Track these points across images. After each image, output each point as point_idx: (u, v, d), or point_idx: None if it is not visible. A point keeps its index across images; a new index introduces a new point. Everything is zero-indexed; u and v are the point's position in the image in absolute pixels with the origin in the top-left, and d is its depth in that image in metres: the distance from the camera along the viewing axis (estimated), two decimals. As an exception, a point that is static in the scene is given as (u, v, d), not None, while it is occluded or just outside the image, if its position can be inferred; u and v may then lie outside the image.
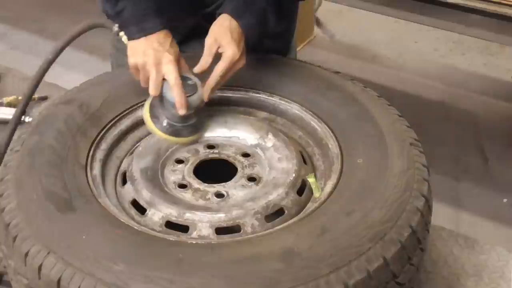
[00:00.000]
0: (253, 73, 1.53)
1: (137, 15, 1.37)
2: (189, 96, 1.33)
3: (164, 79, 1.33)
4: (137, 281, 0.99)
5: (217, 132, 1.47)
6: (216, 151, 1.42)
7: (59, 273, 1.03)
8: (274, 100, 1.50)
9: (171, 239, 1.11)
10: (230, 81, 1.48)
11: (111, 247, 1.06)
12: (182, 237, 1.17)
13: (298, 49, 4.14)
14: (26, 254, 1.07)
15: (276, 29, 1.51)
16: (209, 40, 1.39)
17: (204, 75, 1.38)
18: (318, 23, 2.76)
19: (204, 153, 1.41)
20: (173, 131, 1.37)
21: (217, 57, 1.38)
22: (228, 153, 1.41)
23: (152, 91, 1.33)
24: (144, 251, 1.06)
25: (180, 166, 1.36)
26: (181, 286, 0.98)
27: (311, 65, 1.59)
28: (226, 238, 1.16)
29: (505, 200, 2.88)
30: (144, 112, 1.38)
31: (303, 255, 1.04)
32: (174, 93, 1.31)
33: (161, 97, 1.36)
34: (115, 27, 1.42)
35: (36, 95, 1.99)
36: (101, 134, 1.37)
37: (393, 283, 1.08)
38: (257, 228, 1.18)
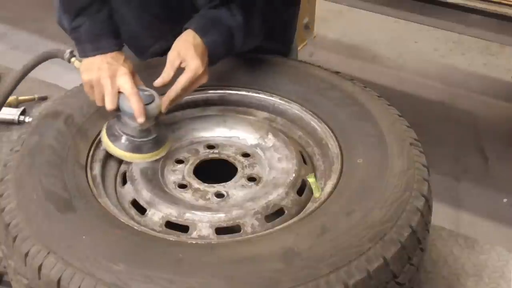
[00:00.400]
0: (253, 73, 1.54)
1: (93, 33, 1.35)
2: (147, 104, 1.29)
3: (120, 92, 1.30)
4: (137, 281, 0.99)
5: (217, 132, 1.47)
6: (216, 151, 1.42)
7: (59, 273, 1.02)
8: (274, 100, 1.50)
9: (171, 239, 1.11)
10: (230, 81, 1.48)
11: (111, 247, 1.06)
12: (182, 237, 1.17)
13: (298, 49, 4.15)
14: (26, 254, 1.07)
15: (244, 47, 1.50)
16: (171, 54, 1.37)
17: (164, 89, 1.35)
18: (307, 28, 2.77)
19: (204, 153, 1.41)
20: (133, 147, 1.32)
21: (179, 71, 1.36)
22: (228, 153, 1.41)
23: (109, 104, 1.30)
24: (144, 251, 1.06)
25: (180, 166, 1.36)
26: (181, 286, 0.98)
27: (311, 65, 1.59)
28: (226, 238, 1.16)
29: (505, 200, 2.88)
30: (102, 135, 1.33)
31: (303, 255, 1.04)
32: (131, 102, 1.28)
33: (118, 116, 1.32)
34: (66, 54, 1.41)
35: (36, 95, 1.99)
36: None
37: (393, 283, 1.08)
38: (257, 228, 1.18)
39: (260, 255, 1.05)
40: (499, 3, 2.48)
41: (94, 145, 1.34)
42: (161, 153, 1.35)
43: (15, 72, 1.46)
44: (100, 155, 1.34)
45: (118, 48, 1.37)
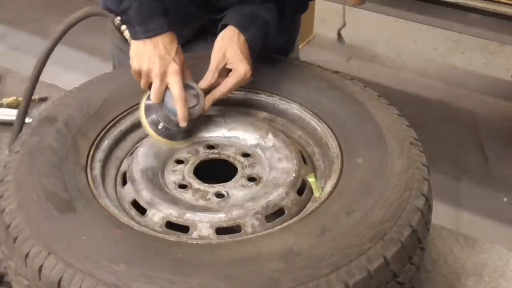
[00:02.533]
0: (253, 73, 1.53)
1: (143, 14, 1.32)
2: (191, 107, 1.33)
3: (167, 87, 1.33)
4: (138, 281, 0.99)
5: (217, 132, 1.47)
6: (216, 151, 1.42)
7: (59, 274, 1.02)
8: (274, 100, 1.50)
9: (171, 239, 1.11)
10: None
11: (112, 247, 1.06)
12: (182, 237, 1.17)
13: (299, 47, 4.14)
14: (27, 255, 1.07)
15: (276, 42, 1.51)
16: (217, 56, 1.38)
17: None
18: (340, 40, 2.78)
19: (204, 153, 1.41)
20: (168, 135, 1.37)
21: (223, 72, 1.38)
22: (228, 153, 1.41)
23: (154, 99, 1.33)
24: (145, 251, 1.06)
25: (180, 166, 1.36)
26: (181, 286, 0.98)
27: (311, 65, 1.59)
28: (226, 238, 1.16)
29: (505, 199, 2.88)
30: (141, 113, 1.37)
31: (303, 255, 1.04)
32: (177, 106, 1.31)
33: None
34: (117, 20, 1.38)
35: (36, 96, 1.99)
36: (101, 134, 1.37)
37: (393, 282, 1.08)
38: (257, 228, 1.18)
39: (260, 255, 1.05)
40: (499, 2, 2.48)
41: (94, 145, 1.34)
42: (191, 141, 1.41)
43: (55, 31, 1.44)
44: (100, 155, 1.34)
45: (168, 28, 1.33)
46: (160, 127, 1.36)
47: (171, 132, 1.37)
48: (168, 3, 1.38)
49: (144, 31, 1.32)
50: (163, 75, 1.31)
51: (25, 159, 1.26)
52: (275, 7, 1.49)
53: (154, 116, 1.36)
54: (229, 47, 1.38)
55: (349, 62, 3.87)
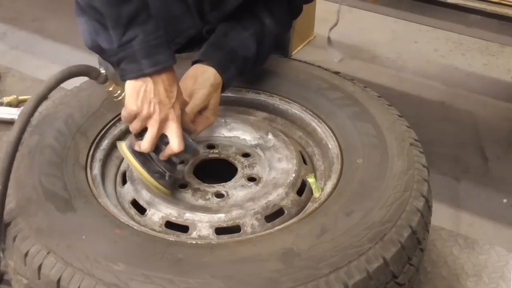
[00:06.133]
0: (253, 73, 1.54)
1: (148, 45, 1.17)
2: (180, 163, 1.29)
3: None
4: (137, 281, 0.99)
5: (217, 132, 1.47)
6: (216, 151, 1.42)
7: (58, 273, 1.02)
8: (274, 100, 1.50)
9: (170, 239, 1.11)
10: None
11: (111, 247, 1.06)
12: (182, 237, 1.17)
13: (298, 49, 4.16)
14: (26, 254, 1.07)
15: (251, 71, 1.51)
16: (203, 101, 1.34)
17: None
18: (329, 42, 2.77)
19: (204, 153, 1.41)
20: (169, 183, 1.27)
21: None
22: (228, 153, 1.41)
23: (148, 148, 1.21)
24: (144, 251, 1.06)
25: (180, 166, 1.36)
26: (181, 286, 0.98)
27: (311, 65, 1.59)
28: (226, 238, 1.16)
29: (505, 200, 2.88)
30: (134, 164, 1.23)
31: (303, 255, 1.04)
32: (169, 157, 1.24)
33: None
34: (101, 76, 1.23)
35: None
36: (101, 134, 1.37)
37: (392, 283, 1.08)
38: (257, 228, 1.19)
39: (259, 255, 1.05)
40: (499, 3, 2.48)
41: (94, 145, 1.34)
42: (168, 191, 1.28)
43: (35, 93, 1.15)
44: (100, 155, 1.34)
45: (174, 61, 1.21)
46: (166, 177, 1.26)
47: (171, 179, 1.28)
48: (162, 13, 1.36)
49: (152, 65, 1.17)
50: (163, 122, 1.20)
51: (25, 158, 1.26)
52: (255, 41, 1.47)
53: (154, 166, 1.24)
54: (214, 96, 1.37)
55: (350, 62, 3.87)
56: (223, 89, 1.41)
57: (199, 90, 1.35)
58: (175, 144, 1.21)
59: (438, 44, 4.10)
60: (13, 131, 1.10)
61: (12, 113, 1.87)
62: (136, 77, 1.18)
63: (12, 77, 2.12)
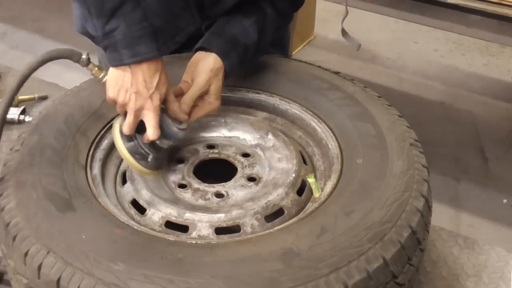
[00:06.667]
0: (253, 73, 1.54)
1: (130, 36, 1.19)
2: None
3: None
4: (137, 281, 0.99)
5: (217, 132, 1.47)
6: (216, 151, 1.42)
7: (58, 273, 1.02)
8: (274, 100, 1.50)
9: (170, 239, 1.11)
10: (230, 81, 1.48)
11: (111, 246, 1.06)
12: (182, 237, 1.17)
13: (298, 49, 4.16)
14: (26, 254, 1.07)
15: (253, 60, 1.51)
16: (203, 86, 1.34)
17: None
18: (344, 33, 2.76)
19: (204, 153, 1.41)
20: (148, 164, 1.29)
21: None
22: (228, 153, 1.41)
23: (127, 131, 1.25)
24: (144, 251, 1.06)
25: (180, 166, 1.37)
26: (181, 286, 0.98)
27: (311, 65, 1.59)
28: (226, 238, 1.16)
29: (504, 200, 2.89)
30: (116, 138, 1.28)
31: (303, 255, 1.04)
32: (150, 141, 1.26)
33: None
34: (83, 59, 1.26)
35: (36, 95, 1.99)
36: (101, 134, 1.37)
37: (392, 283, 1.08)
38: (257, 228, 1.18)
39: (259, 255, 1.05)
40: (499, 3, 2.48)
41: (94, 144, 1.34)
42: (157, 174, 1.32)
43: (18, 73, 1.24)
44: (100, 154, 1.34)
45: (158, 53, 1.22)
46: (148, 159, 1.28)
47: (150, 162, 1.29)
48: (162, 10, 1.35)
49: (131, 55, 1.19)
50: (138, 111, 1.23)
51: (25, 158, 1.26)
52: (256, 29, 1.47)
53: (137, 148, 1.28)
54: (214, 81, 1.36)
55: (350, 62, 3.87)
56: (226, 77, 1.40)
57: (199, 76, 1.35)
58: (150, 132, 1.24)
59: (438, 44, 4.11)
60: None
61: (12, 113, 1.87)
62: (116, 65, 1.22)
63: (12, 76, 2.12)
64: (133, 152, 1.27)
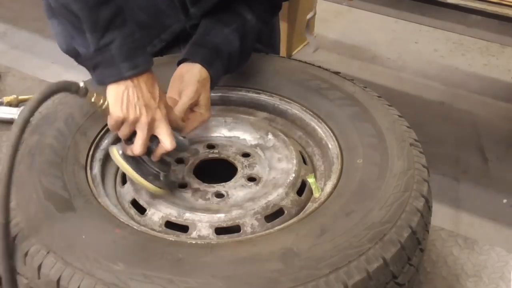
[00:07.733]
0: (253, 73, 1.54)
1: (128, 48, 1.16)
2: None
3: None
4: (137, 281, 0.99)
5: (217, 132, 1.47)
6: (216, 151, 1.42)
7: (58, 273, 1.02)
8: (274, 100, 1.50)
9: (170, 239, 1.11)
10: (230, 81, 1.49)
11: (111, 247, 1.06)
12: (182, 237, 1.17)
13: (298, 49, 4.15)
14: (26, 254, 1.07)
15: (238, 68, 1.51)
16: (192, 97, 1.32)
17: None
18: (307, 30, 2.76)
19: (204, 153, 1.41)
20: (167, 183, 1.27)
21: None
22: (228, 153, 1.41)
23: (140, 151, 1.19)
24: (144, 251, 1.06)
25: (180, 166, 1.36)
26: (181, 286, 0.98)
27: (311, 65, 1.59)
28: (226, 238, 1.16)
29: (504, 200, 2.88)
30: (128, 170, 1.23)
31: (303, 255, 1.04)
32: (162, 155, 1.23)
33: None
34: (82, 89, 1.15)
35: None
36: (101, 134, 1.37)
37: (392, 283, 1.08)
38: (257, 228, 1.18)
39: (259, 255, 1.05)
40: (499, 3, 2.47)
41: (94, 144, 1.34)
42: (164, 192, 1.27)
43: (23, 110, 1.08)
44: (100, 154, 1.34)
45: (153, 63, 1.20)
46: (161, 178, 1.25)
47: (168, 180, 1.28)
48: (148, 5, 1.34)
49: (132, 67, 1.16)
50: (151, 124, 1.19)
51: (25, 158, 1.25)
52: (237, 36, 1.47)
53: (148, 169, 1.24)
54: (203, 92, 1.35)
55: (350, 62, 3.87)
56: (212, 86, 1.40)
57: (187, 88, 1.34)
58: (167, 142, 1.20)
59: (438, 44, 4.10)
60: (4, 161, 1.06)
61: (12, 113, 1.87)
62: (115, 81, 1.16)
63: (12, 76, 2.12)
64: (145, 175, 1.23)
